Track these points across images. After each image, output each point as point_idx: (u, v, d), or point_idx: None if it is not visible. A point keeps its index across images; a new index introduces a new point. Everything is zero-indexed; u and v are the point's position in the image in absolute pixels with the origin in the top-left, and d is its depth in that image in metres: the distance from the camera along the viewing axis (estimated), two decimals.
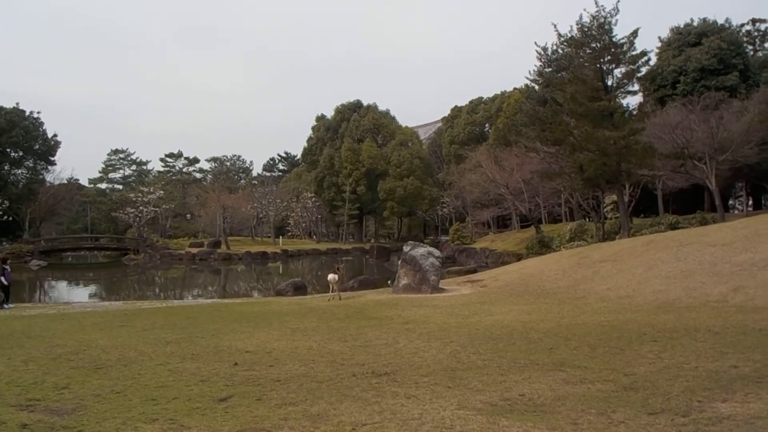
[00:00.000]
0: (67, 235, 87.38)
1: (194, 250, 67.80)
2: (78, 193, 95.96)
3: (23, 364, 8.93)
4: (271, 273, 52.44)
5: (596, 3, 33.73)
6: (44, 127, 73.96)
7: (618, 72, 34.99)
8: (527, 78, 64.96)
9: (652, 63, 45.96)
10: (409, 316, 14.17)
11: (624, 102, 39.36)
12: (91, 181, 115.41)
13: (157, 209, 78.11)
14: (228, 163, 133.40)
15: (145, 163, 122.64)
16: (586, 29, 34.24)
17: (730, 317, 11.26)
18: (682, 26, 61.62)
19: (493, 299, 17.13)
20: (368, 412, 5.97)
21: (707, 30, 58.59)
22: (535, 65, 61.34)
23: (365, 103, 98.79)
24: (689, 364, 7.76)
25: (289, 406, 6.31)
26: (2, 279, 20.19)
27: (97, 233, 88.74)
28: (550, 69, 47.51)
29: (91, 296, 33.63)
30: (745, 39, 65.45)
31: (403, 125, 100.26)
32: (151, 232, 76.67)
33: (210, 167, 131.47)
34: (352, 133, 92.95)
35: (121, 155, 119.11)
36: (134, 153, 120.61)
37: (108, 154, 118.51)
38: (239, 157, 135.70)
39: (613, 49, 33.81)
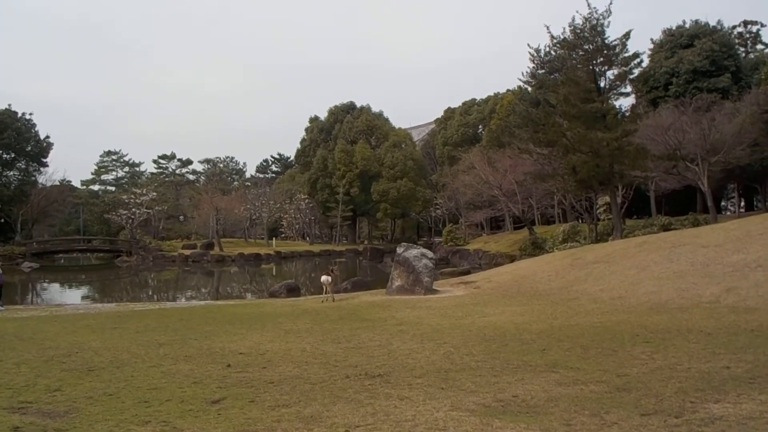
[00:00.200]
0: (59, 237, 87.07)
1: (187, 252, 67.66)
2: (70, 195, 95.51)
3: (15, 366, 8.90)
4: (264, 275, 52.36)
5: (588, 5, 33.86)
6: (36, 129, 73.66)
7: (611, 74, 35.14)
8: (520, 79, 64.90)
9: (644, 65, 46.14)
10: (402, 317, 14.18)
11: (617, 103, 39.52)
12: (83, 182, 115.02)
13: (149, 211, 77.90)
14: (221, 165, 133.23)
15: (138, 165, 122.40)
16: (579, 31, 34.32)
17: (723, 318, 11.30)
18: (674, 28, 61.84)
19: (486, 300, 17.15)
20: (361, 414, 5.97)
21: (699, 32, 58.82)
22: (528, 67, 61.21)
23: (358, 105, 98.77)
24: (682, 365, 7.78)
25: (282, 407, 6.30)
26: None
27: (90, 235, 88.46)
28: (543, 71, 47.51)
29: (83, 298, 33.52)
30: (737, 41, 65.75)
31: (397, 127, 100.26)
32: (143, 233, 76.45)
33: (203, 169, 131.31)
34: (346, 135, 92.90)
35: (114, 157, 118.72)
36: (127, 155, 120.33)
37: (100, 156, 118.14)
38: (232, 158, 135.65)
39: (605, 51, 33.90)
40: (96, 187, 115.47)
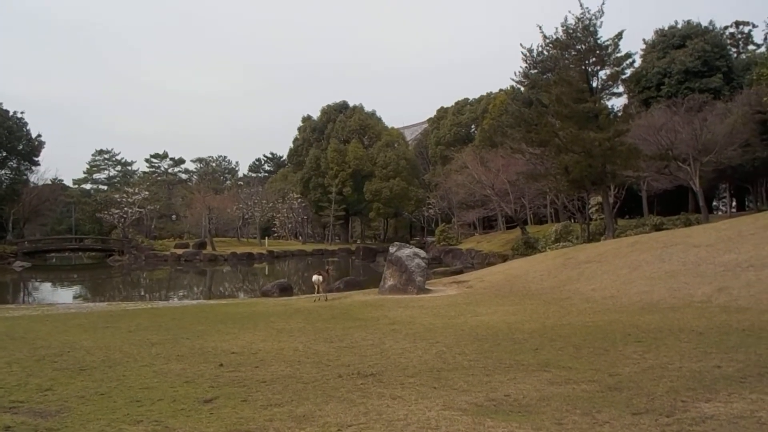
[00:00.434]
0: (51, 236, 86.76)
1: (179, 251, 67.53)
2: (62, 194, 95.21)
3: (6, 365, 8.85)
4: (256, 274, 52.27)
5: (581, 5, 33.95)
6: (28, 128, 73.37)
7: (603, 74, 35.23)
8: (513, 79, 65.17)
9: (636, 65, 46.36)
10: (395, 316, 14.17)
11: (609, 104, 39.66)
12: (75, 181, 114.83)
13: (142, 210, 77.73)
14: (213, 164, 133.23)
15: (130, 164, 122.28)
16: (571, 31, 34.41)
17: (714, 317, 11.33)
18: (666, 28, 62.08)
19: (478, 300, 17.16)
20: (354, 413, 5.97)
21: (691, 32, 59.05)
22: (521, 67, 61.42)
23: (351, 104, 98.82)
24: (673, 365, 7.80)
25: (274, 407, 6.29)
26: None
27: (82, 234, 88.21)
28: (535, 70, 47.82)
29: (75, 297, 33.38)
30: (728, 41, 66.11)
31: (390, 126, 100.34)
32: (136, 233, 76.28)
33: (195, 168, 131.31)
34: (338, 134, 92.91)
35: (106, 156, 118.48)
36: (119, 153, 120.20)
37: (92, 155, 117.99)
38: (225, 157, 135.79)
39: (598, 51, 33.99)
40: (88, 186, 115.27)
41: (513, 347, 9.60)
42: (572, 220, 50.57)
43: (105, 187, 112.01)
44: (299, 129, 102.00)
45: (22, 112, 72.43)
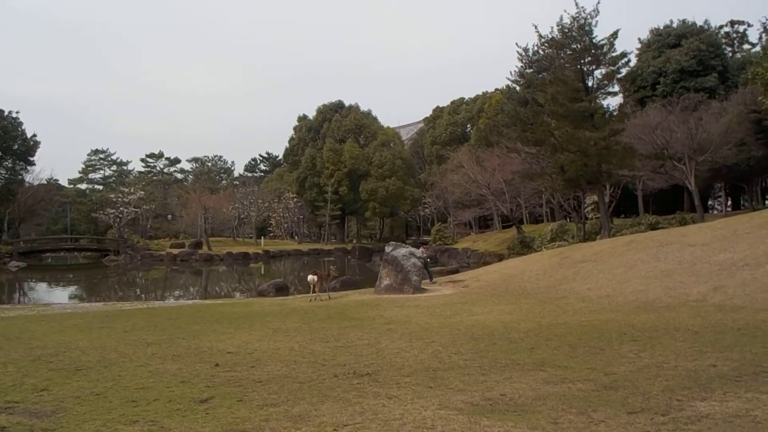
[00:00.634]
0: (46, 236, 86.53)
1: (175, 251, 67.45)
2: (57, 194, 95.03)
3: (2, 366, 8.83)
4: (252, 274, 52.24)
5: (576, 4, 34.00)
6: (23, 127, 73.10)
7: (598, 73, 35.24)
8: (508, 79, 65.41)
9: (632, 64, 46.30)
10: (390, 316, 14.17)
11: (604, 103, 39.66)
12: (70, 181, 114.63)
13: (137, 210, 77.57)
14: (209, 164, 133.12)
15: (126, 164, 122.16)
16: (567, 30, 34.44)
17: (710, 316, 11.36)
18: (661, 28, 62.24)
19: (474, 299, 17.17)
20: (349, 413, 5.96)
21: (686, 32, 59.17)
22: (517, 66, 61.63)
23: (347, 104, 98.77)
24: (669, 364, 7.82)
25: (270, 407, 6.29)
26: None
27: (77, 234, 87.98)
28: (531, 70, 47.88)
29: (71, 297, 33.33)
30: (723, 41, 66.26)
31: (385, 126, 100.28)
32: (131, 232, 76.11)
33: (191, 168, 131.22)
34: (334, 134, 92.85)
35: (101, 155, 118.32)
36: (114, 153, 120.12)
37: (88, 155, 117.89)
38: (220, 157, 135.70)
39: (593, 51, 34.02)
40: (83, 186, 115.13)
41: (509, 346, 9.61)
42: (568, 220, 50.63)
43: (100, 187, 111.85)
44: (295, 128, 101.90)
45: (17, 112, 72.27)
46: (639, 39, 64.23)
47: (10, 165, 72.87)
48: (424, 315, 14.17)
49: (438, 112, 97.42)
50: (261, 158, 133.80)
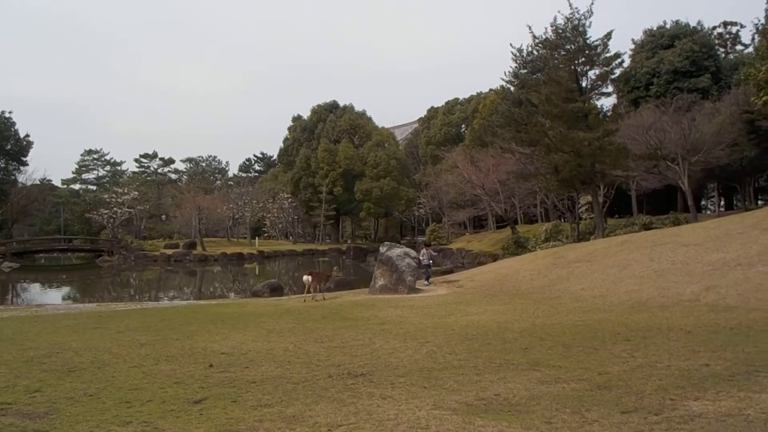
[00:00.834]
0: (39, 236, 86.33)
1: (169, 252, 67.33)
2: (51, 194, 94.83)
3: None
4: (247, 274, 52.19)
5: (570, 5, 34.05)
6: (16, 127, 72.99)
7: (592, 74, 35.37)
8: (503, 79, 65.02)
9: (625, 65, 46.46)
10: (385, 316, 14.18)
11: (598, 103, 39.79)
12: (64, 181, 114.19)
13: (131, 210, 77.43)
14: (203, 164, 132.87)
15: (120, 164, 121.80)
16: (561, 31, 34.50)
17: (702, 316, 11.39)
18: (655, 29, 62.39)
19: (469, 299, 17.19)
20: (344, 413, 5.97)
21: (680, 32, 59.35)
22: (511, 66, 61.39)
23: (341, 104, 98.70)
24: (662, 363, 7.84)
25: (264, 407, 6.28)
26: None
27: (71, 235, 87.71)
28: (525, 70, 47.72)
29: (64, 298, 33.27)
30: (716, 41, 66.43)
31: (380, 126, 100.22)
32: (125, 233, 76.00)
33: (185, 168, 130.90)
34: (329, 134, 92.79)
35: (95, 156, 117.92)
36: (108, 153, 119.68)
37: (81, 155, 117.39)
38: (215, 157, 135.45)
39: (587, 51, 34.10)
40: (77, 186, 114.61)
41: (503, 346, 9.62)
42: (562, 220, 50.73)
43: (94, 188, 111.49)
44: (289, 129, 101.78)
45: (10, 112, 72.15)
46: (633, 40, 64.46)
47: (2, 165, 72.74)
48: (419, 315, 14.18)
49: (432, 112, 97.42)
50: (255, 158, 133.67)
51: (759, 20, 37.69)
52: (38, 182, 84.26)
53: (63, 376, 8.12)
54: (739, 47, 69.70)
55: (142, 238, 78.60)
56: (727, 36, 70.49)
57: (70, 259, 78.43)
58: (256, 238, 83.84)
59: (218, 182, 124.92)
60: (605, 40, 34.05)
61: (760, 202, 58.60)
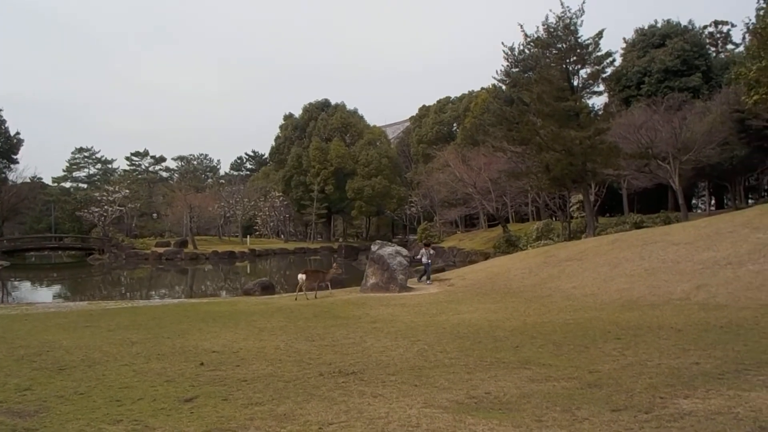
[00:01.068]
0: (30, 234, 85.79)
1: (160, 250, 67.09)
2: (41, 192, 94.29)
3: None
4: (238, 272, 52.10)
5: (562, 4, 34.08)
6: (6, 125, 72.73)
7: (584, 72, 35.42)
8: (494, 78, 65.29)
9: (617, 64, 46.65)
10: (376, 315, 14.19)
11: (589, 102, 39.88)
12: (54, 179, 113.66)
13: (122, 208, 77.13)
14: (195, 162, 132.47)
15: (111, 162, 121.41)
16: (552, 30, 34.53)
17: (693, 315, 11.44)
18: (646, 28, 62.55)
19: (460, 298, 17.21)
20: (335, 412, 5.97)
21: (671, 31, 59.55)
22: (503, 65, 61.57)
23: (333, 102, 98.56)
24: (652, 361, 7.87)
25: (255, 405, 6.28)
26: None
27: (61, 233, 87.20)
28: (517, 69, 47.81)
29: (55, 297, 33.11)
30: (707, 41, 66.73)
31: (372, 124, 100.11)
32: (116, 231, 75.74)
33: (177, 166, 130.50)
34: (320, 132, 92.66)
35: (86, 154, 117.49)
36: (99, 151, 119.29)
37: (72, 153, 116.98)
38: (206, 156, 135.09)
39: (578, 50, 34.15)
40: (68, 185, 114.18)
41: (494, 345, 9.64)
42: (553, 218, 50.81)
43: (85, 186, 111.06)
44: (281, 127, 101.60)
45: (0, 110, 71.77)
46: (624, 39, 64.62)
47: None
48: (410, 313, 14.20)
49: (424, 111, 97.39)
50: (247, 157, 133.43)
51: (750, 19, 37.75)
52: (29, 180, 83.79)
53: (53, 375, 8.09)
54: (730, 46, 70.14)
55: (133, 237, 78.31)
56: (718, 35, 70.85)
57: (60, 257, 78.12)
58: (248, 236, 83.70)
59: (209, 180, 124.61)
60: (596, 38, 34.12)
61: (750, 201, 58.74)
